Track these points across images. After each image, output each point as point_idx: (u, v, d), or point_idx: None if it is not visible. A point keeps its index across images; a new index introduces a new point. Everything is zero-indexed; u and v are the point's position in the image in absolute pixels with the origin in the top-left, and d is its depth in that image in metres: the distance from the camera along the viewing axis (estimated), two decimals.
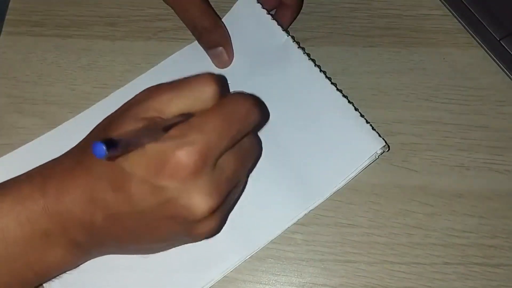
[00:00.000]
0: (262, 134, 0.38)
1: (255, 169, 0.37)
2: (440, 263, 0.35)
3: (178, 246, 0.33)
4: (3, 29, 0.43)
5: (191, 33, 0.40)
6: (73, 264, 0.32)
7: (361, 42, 0.42)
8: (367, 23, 0.43)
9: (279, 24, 0.40)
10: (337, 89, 0.38)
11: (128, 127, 0.27)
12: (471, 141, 0.38)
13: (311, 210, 0.36)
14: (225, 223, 0.35)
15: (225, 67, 0.40)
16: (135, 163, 0.26)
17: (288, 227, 0.36)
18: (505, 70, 0.40)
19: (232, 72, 0.40)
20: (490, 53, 0.41)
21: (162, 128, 0.26)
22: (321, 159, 0.37)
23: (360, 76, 0.41)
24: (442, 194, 0.37)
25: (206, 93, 0.28)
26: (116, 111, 0.30)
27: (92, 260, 0.34)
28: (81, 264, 0.33)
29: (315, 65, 0.39)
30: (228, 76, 0.40)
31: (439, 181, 0.37)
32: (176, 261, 0.35)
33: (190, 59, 0.41)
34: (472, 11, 0.42)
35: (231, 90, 0.39)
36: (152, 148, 0.26)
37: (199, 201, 0.26)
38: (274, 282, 0.35)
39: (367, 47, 0.42)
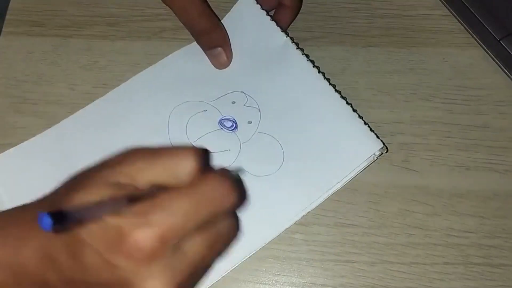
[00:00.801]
0: (261, 134, 0.38)
1: (254, 171, 0.37)
2: (440, 263, 0.35)
3: None
4: (3, 29, 0.43)
5: (190, 34, 0.40)
6: None
7: (361, 42, 0.42)
8: (367, 23, 0.43)
9: (278, 25, 0.40)
10: (336, 90, 0.38)
11: (94, 192, 0.25)
12: (471, 141, 0.38)
13: (311, 210, 0.36)
14: None
15: (224, 68, 0.40)
16: (92, 233, 0.24)
17: (288, 227, 0.36)
18: (505, 70, 0.40)
19: (232, 73, 0.40)
20: (490, 53, 0.40)
21: (128, 199, 0.25)
22: (319, 160, 0.37)
23: (360, 76, 0.41)
24: (442, 194, 0.37)
25: (183, 168, 0.27)
26: (89, 168, 0.29)
27: None
28: None
29: (314, 65, 0.39)
30: (228, 76, 0.40)
31: (439, 181, 0.37)
32: None
33: (190, 59, 0.41)
34: (472, 11, 0.42)
35: (230, 90, 0.39)
36: (111, 222, 0.24)
37: (152, 286, 0.25)
38: (274, 282, 0.35)
39: (367, 47, 0.42)
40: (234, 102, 0.39)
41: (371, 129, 0.37)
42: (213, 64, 0.40)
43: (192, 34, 0.40)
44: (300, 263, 0.35)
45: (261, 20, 0.40)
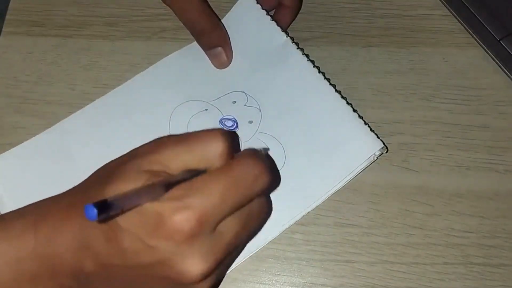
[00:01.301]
0: (261, 134, 0.38)
1: None
2: (440, 263, 0.35)
3: None
4: (3, 29, 0.43)
5: (190, 34, 0.40)
6: None
7: (361, 42, 0.42)
8: (367, 23, 0.43)
9: (278, 24, 0.40)
10: (336, 90, 0.38)
11: (129, 181, 0.26)
12: (471, 141, 0.38)
13: (311, 210, 0.36)
14: (220, 282, 0.34)
15: (224, 68, 0.40)
16: (131, 220, 0.25)
17: (288, 227, 0.36)
18: (505, 70, 0.40)
19: (232, 73, 0.40)
20: (490, 53, 0.41)
21: (164, 185, 0.25)
22: (320, 160, 0.37)
23: (360, 76, 0.41)
24: (442, 194, 0.37)
25: (214, 150, 0.27)
26: (120, 158, 0.29)
27: None
28: None
29: (314, 65, 0.39)
30: (228, 76, 0.40)
31: (439, 181, 0.37)
32: None
33: (190, 58, 0.41)
34: (472, 11, 0.42)
35: (231, 90, 0.39)
36: (150, 208, 0.25)
37: (192, 265, 0.25)
38: (274, 282, 0.35)
39: (367, 47, 0.42)
40: (235, 102, 0.39)
41: (371, 129, 0.37)
42: (213, 63, 0.40)
43: (192, 34, 0.40)
44: (300, 263, 0.35)
45: (261, 20, 0.40)
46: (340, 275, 0.35)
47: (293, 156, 0.37)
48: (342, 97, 0.38)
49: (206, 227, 0.25)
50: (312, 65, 0.39)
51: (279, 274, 0.35)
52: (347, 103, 0.38)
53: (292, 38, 0.40)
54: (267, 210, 0.31)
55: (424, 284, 0.35)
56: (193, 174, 0.26)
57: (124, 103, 0.39)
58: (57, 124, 0.39)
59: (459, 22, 0.42)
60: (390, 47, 0.42)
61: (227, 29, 0.40)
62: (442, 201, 0.37)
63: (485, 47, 0.41)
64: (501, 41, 0.40)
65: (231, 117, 0.39)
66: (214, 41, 0.39)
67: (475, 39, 0.41)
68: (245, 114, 0.39)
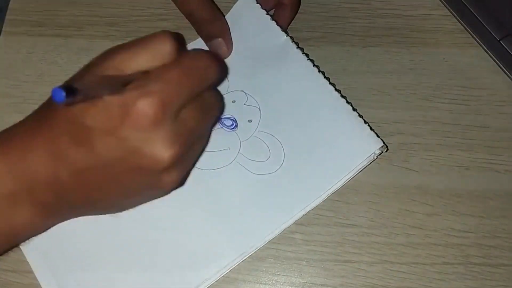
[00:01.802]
0: (260, 132, 0.38)
1: (254, 170, 0.37)
2: (440, 263, 0.35)
3: (146, 202, 0.33)
4: (3, 29, 0.43)
5: (191, 33, 0.40)
6: (42, 226, 0.32)
7: (361, 42, 0.42)
8: (367, 23, 0.43)
9: (278, 24, 0.40)
10: (336, 89, 0.38)
11: (88, 81, 0.27)
12: (471, 141, 0.38)
13: (311, 210, 0.36)
14: (188, 175, 0.36)
15: (224, 58, 0.40)
16: (96, 116, 0.26)
17: (288, 227, 0.36)
18: (505, 70, 0.40)
19: (232, 72, 0.40)
20: (490, 53, 0.41)
21: (121, 83, 0.26)
22: (319, 159, 0.37)
23: (360, 76, 0.41)
24: (442, 194, 0.37)
25: (164, 49, 0.28)
26: (75, 74, 0.30)
27: (86, 259, 0.34)
28: (51, 226, 0.33)
29: (314, 65, 0.39)
30: (228, 75, 0.40)
31: (439, 181, 0.37)
32: (172, 259, 0.35)
33: None
34: (472, 11, 0.42)
35: (231, 90, 0.39)
36: (113, 100, 0.26)
37: (161, 149, 0.27)
38: (274, 282, 0.35)
39: (367, 47, 0.42)
40: (234, 101, 0.39)
41: (371, 128, 0.37)
42: None
43: (192, 25, 0.40)
44: (299, 263, 0.35)
45: (261, 19, 0.40)
46: (340, 275, 0.35)
47: (292, 155, 0.37)
48: (341, 96, 0.38)
49: (168, 111, 0.27)
50: (311, 64, 0.39)
51: (279, 274, 0.35)
52: (347, 102, 0.38)
53: (291, 38, 0.40)
54: (220, 101, 0.34)
55: (424, 284, 0.35)
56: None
57: None
58: None
59: (459, 22, 0.42)
60: (390, 47, 0.42)
61: None
62: (442, 201, 0.37)
63: (485, 47, 0.41)
64: (501, 41, 0.40)
65: (230, 116, 0.39)
66: (215, 32, 0.39)
67: (475, 39, 0.41)
68: (245, 113, 0.39)
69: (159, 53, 0.28)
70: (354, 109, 0.37)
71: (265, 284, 0.35)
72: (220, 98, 0.34)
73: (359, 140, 0.37)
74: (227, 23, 0.40)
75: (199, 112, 0.30)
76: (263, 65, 0.40)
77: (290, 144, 0.37)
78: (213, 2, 0.40)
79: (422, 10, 0.43)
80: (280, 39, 0.40)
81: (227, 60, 0.40)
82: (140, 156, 0.27)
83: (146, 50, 0.28)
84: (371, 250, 0.36)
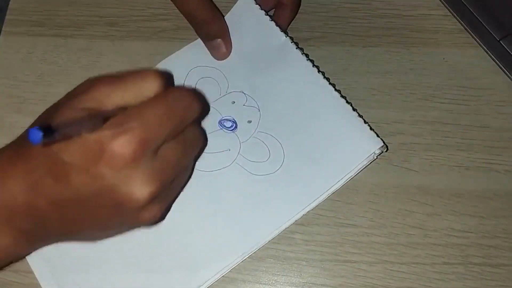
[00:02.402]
0: (260, 133, 0.38)
1: (254, 169, 0.37)
2: (440, 263, 0.35)
3: (125, 232, 0.33)
4: (3, 29, 0.43)
5: (191, 33, 0.40)
6: (22, 252, 0.32)
7: (361, 42, 0.42)
8: (367, 23, 0.43)
9: (277, 24, 0.40)
10: (336, 89, 0.38)
11: (67, 116, 0.27)
12: (471, 141, 0.38)
13: (311, 210, 0.36)
14: (169, 209, 0.35)
15: (224, 59, 0.40)
16: (73, 153, 0.26)
17: (288, 227, 0.36)
18: (505, 70, 0.40)
19: (231, 73, 0.40)
20: (490, 53, 0.40)
21: (102, 118, 0.26)
22: (319, 158, 0.37)
23: (360, 76, 0.41)
24: (442, 194, 0.37)
25: (150, 88, 0.28)
26: (56, 102, 0.30)
27: (86, 259, 0.34)
28: (31, 252, 0.33)
29: (314, 65, 0.39)
30: (227, 76, 0.40)
31: (439, 181, 0.37)
32: (172, 260, 0.35)
33: (189, 60, 0.41)
34: (472, 11, 0.42)
35: (230, 90, 0.39)
36: (90, 137, 0.26)
37: (139, 187, 0.26)
38: (274, 282, 0.35)
39: (367, 47, 0.42)
40: (234, 102, 0.39)
41: (371, 128, 0.37)
42: (212, 55, 0.40)
43: (192, 25, 0.40)
44: (299, 263, 0.35)
45: (260, 20, 0.40)
46: (340, 275, 0.35)
47: (292, 155, 0.37)
48: (341, 96, 0.38)
49: (147, 149, 0.26)
50: (311, 65, 0.39)
51: (279, 274, 0.35)
52: (347, 102, 0.38)
53: (291, 38, 0.40)
54: (202, 138, 0.33)
55: (424, 284, 0.35)
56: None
57: None
58: None
59: (459, 22, 0.42)
60: (390, 47, 0.42)
61: None
62: (442, 201, 0.37)
63: (485, 47, 0.41)
64: (501, 41, 0.40)
65: (230, 117, 0.39)
66: (214, 32, 0.39)
67: (475, 39, 0.41)
68: (244, 114, 0.39)
69: (144, 91, 0.28)
70: (354, 109, 0.37)
71: (265, 284, 0.35)
72: (201, 133, 0.34)
73: (359, 140, 0.37)
74: (226, 23, 0.40)
75: (180, 147, 0.29)
76: (263, 65, 0.40)
77: (290, 145, 0.37)
78: (213, 3, 0.40)
79: (422, 10, 0.43)
80: (280, 39, 0.40)
81: (227, 61, 0.40)
82: (116, 194, 0.27)
83: (132, 86, 0.28)
84: (371, 250, 0.36)
